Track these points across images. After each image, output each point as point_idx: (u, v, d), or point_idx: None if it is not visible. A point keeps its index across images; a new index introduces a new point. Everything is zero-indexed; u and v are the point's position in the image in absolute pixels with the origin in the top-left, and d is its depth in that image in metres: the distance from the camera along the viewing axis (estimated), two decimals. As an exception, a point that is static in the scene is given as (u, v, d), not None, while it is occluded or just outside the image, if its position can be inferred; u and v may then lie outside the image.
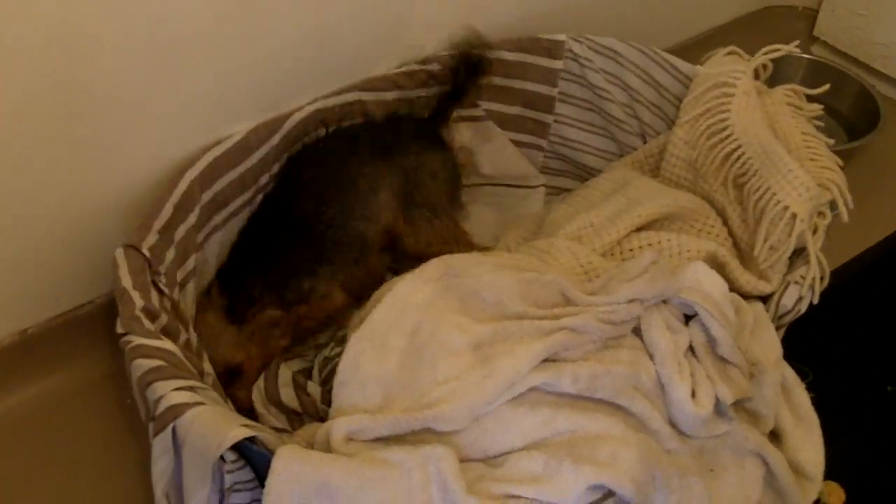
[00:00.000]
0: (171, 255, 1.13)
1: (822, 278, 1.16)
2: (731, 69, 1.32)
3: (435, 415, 0.94)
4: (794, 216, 1.18)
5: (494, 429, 0.96)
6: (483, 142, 1.46)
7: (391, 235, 1.26)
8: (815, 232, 1.20)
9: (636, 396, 1.00)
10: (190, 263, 1.19)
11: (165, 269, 1.11)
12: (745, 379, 1.05)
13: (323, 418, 1.07)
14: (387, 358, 0.99)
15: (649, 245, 1.23)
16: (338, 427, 0.94)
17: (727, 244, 1.26)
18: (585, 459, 0.93)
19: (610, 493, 0.93)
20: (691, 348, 1.06)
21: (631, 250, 1.23)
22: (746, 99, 1.29)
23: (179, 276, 1.16)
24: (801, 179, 1.20)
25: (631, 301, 1.03)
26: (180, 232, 1.15)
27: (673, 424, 1.02)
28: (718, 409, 1.02)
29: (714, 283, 1.08)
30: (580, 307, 1.04)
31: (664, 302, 1.07)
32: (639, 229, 1.25)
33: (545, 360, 1.00)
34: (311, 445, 0.97)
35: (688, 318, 1.09)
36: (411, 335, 1.01)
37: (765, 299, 1.19)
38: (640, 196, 1.28)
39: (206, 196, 1.19)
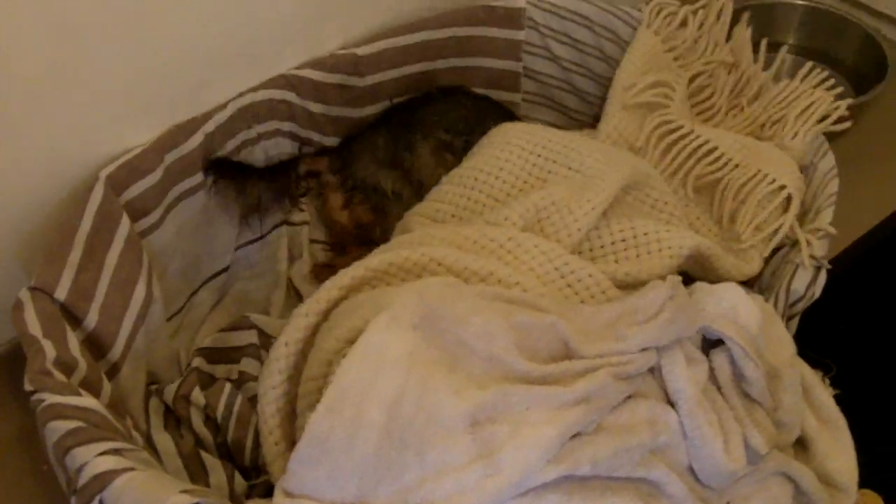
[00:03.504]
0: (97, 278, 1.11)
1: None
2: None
3: None
4: (790, 196, 1.22)
5: None
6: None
7: None
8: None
9: (654, 462, 0.96)
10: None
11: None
12: (771, 422, 1.03)
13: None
14: (361, 439, 0.90)
15: (623, 241, 1.19)
16: None
17: (673, 204, 1.26)
18: None
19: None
20: (716, 382, 1.03)
21: (602, 247, 1.19)
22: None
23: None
24: (786, 159, 1.24)
25: (645, 349, 1.00)
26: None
27: (690, 476, 1.00)
28: (748, 457, 1.00)
29: (751, 314, 1.05)
30: (587, 360, 0.99)
31: None
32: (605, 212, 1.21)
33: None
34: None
35: (707, 342, 1.06)
36: (392, 405, 0.92)
37: (751, 283, 1.20)
38: (588, 164, 1.23)
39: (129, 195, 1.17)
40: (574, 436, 0.94)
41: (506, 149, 1.26)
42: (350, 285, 1.11)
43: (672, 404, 1.00)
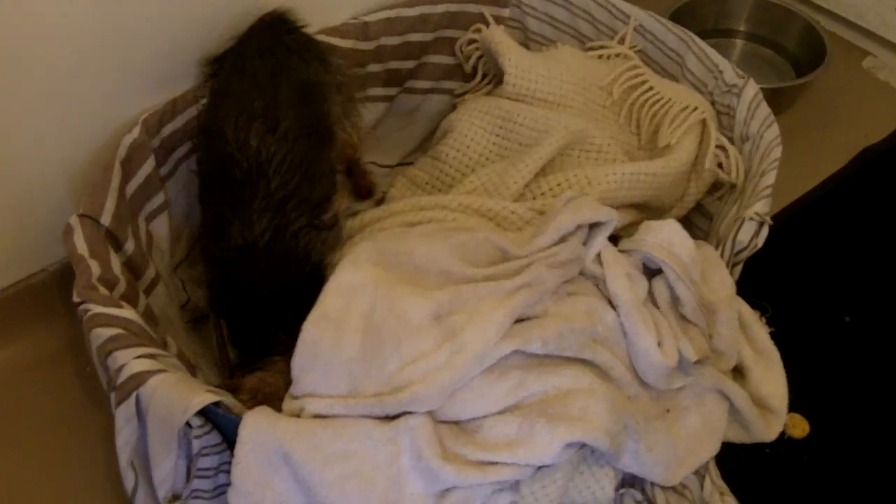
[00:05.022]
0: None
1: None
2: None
3: (409, 399, 0.92)
4: (694, 109, 1.28)
5: (467, 398, 0.94)
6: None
7: None
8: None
9: (597, 348, 0.99)
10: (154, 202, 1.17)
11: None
12: (705, 341, 1.05)
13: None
14: (346, 342, 0.95)
15: (558, 185, 1.23)
16: (312, 407, 0.92)
17: (614, 152, 1.30)
18: (559, 417, 0.92)
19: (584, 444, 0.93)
20: (656, 304, 1.06)
21: (542, 194, 1.24)
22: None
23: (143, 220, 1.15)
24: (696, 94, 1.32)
25: (563, 238, 1.04)
26: (134, 184, 1.13)
27: (634, 372, 1.02)
28: (680, 366, 1.03)
29: (685, 245, 1.07)
30: (521, 259, 1.03)
31: (622, 252, 1.06)
32: (543, 169, 1.26)
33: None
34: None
35: (649, 271, 1.08)
36: (368, 314, 0.96)
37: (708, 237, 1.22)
38: (532, 137, 1.28)
39: (155, 142, 1.16)
40: (524, 321, 0.99)
41: (471, 129, 1.32)
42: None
43: (615, 309, 1.03)
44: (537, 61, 1.34)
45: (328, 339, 0.94)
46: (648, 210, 1.27)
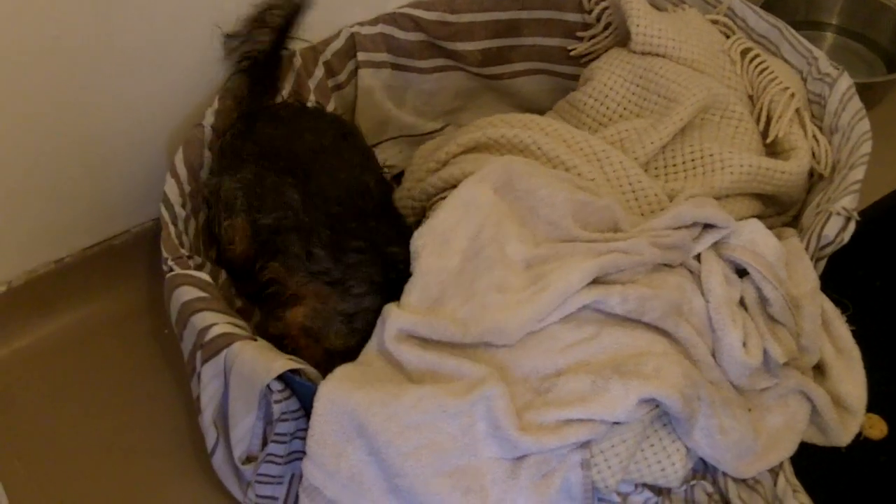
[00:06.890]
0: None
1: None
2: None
3: (488, 329, 0.96)
4: (792, 95, 1.27)
5: (541, 343, 0.97)
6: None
7: None
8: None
9: (681, 322, 1.00)
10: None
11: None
12: (793, 341, 1.05)
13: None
14: (448, 255, 1.02)
15: (693, 160, 1.22)
16: (391, 323, 0.97)
17: (752, 126, 1.29)
18: (632, 374, 0.94)
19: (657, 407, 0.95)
20: (744, 304, 1.06)
21: (675, 166, 1.23)
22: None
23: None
24: (792, 72, 1.32)
25: (678, 228, 1.04)
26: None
27: (716, 362, 1.03)
28: (767, 366, 1.03)
29: (768, 244, 1.07)
30: (631, 233, 1.04)
31: (719, 255, 1.07)
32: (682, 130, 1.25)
33: (596, 282, 1.01)
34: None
35: (740, 273, 1.09)
36: (473, 236, 1.03)
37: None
38: (673, 90, 1.26)
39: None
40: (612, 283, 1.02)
41: (611, 78, 1.31)
42: (467, 145, 1.20)
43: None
44: (667, 24, 1.31)
45: (431, 249, 1.02)
46: (776, 205, 1.27)
